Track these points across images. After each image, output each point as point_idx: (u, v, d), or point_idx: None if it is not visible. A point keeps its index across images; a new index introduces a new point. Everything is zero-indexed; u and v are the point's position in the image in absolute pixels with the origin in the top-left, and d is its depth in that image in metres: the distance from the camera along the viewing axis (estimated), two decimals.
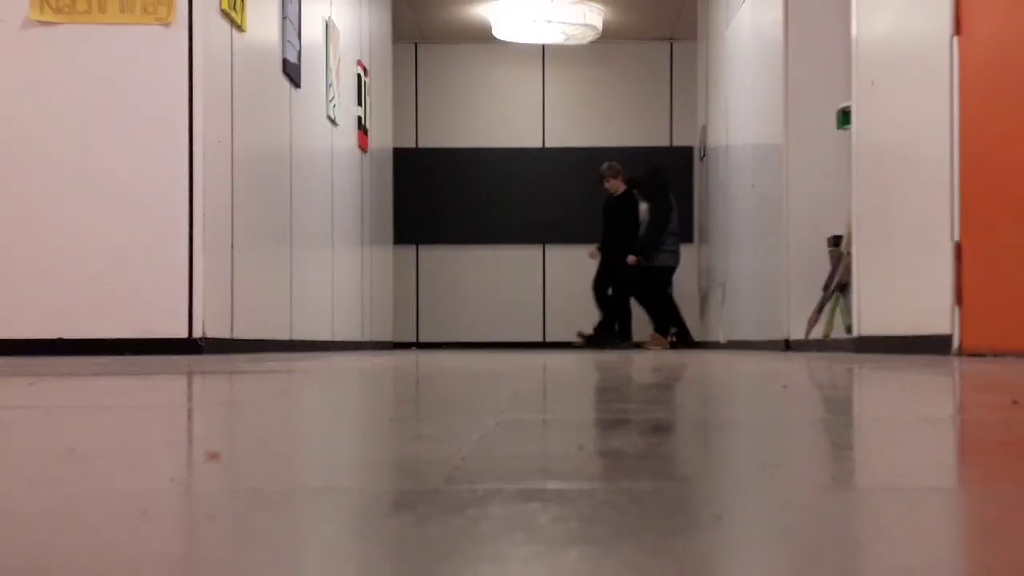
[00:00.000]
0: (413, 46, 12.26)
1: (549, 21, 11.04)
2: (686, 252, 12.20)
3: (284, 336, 6.95)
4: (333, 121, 8.36)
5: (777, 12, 7.42)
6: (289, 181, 7.20)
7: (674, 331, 10.96)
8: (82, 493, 0.86)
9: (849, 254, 6.28)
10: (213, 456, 1.07)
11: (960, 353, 4.69)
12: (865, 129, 5.92)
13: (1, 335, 5.34)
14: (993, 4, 4.64)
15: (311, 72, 7.66)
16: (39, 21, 5.44)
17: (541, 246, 12.33)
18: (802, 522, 0.73)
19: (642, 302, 10.87)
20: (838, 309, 6.73)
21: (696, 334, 11.73)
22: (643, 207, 10.85)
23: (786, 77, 7.31)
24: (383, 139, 10.71)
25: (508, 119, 12.24)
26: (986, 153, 4.62)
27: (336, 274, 8.53)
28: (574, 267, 11.92)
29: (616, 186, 10.74)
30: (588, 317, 10.98)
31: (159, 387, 2.42)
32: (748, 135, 8.71)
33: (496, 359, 5.24)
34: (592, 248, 11.05)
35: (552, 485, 0.87)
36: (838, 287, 6.67)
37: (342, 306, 8.72)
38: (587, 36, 11.41)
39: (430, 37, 12.20)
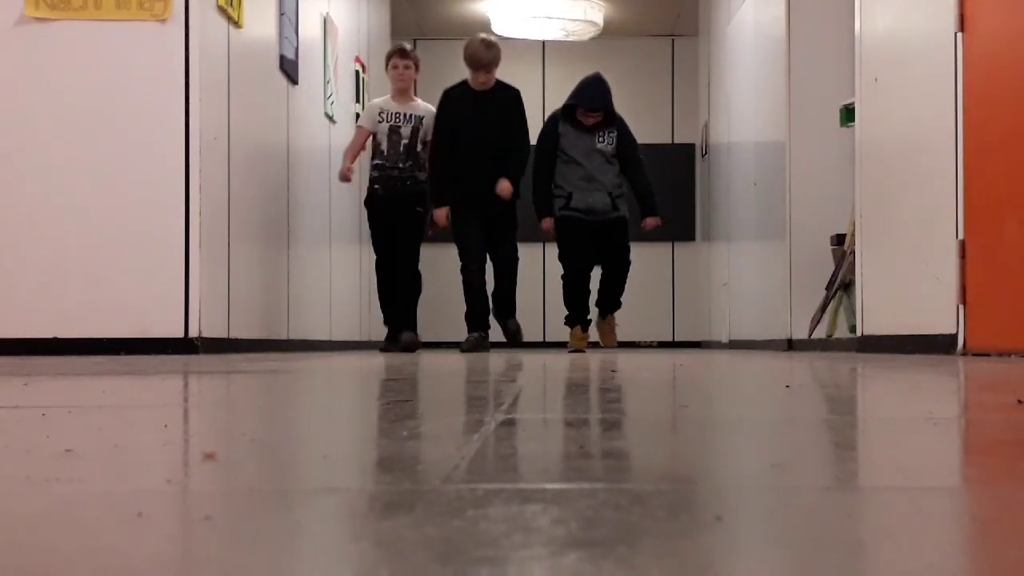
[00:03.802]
0: (412, 42, 12.26)
1: (549, 17, 11.05)
2: (686, 251, 12.21)
3: (281, 336, 6.96)
4: (331, 118, 8.36)
5: (779, 8, 7.42)
6: (286, 179, 7.20)
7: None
8: (78, 494, 0.85)
9: (852, 253, 6.28)
10: (210, 456, 1.06)
11: (964, 352, 4.69)
12: (868, 126, 5.92)
13: None
14: (996, 1, 4.64)
15: (309, 69, 7.66)
16: (34, 17, 5.44)
17: (541, 244, 12.34)
18: (805, 522, 0.72)
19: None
20: (841, 308, 6.73)
21: (699, 333, 11.74)
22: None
23: (788, 74, 7.31)
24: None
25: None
26: (990, 150, 4.62)
27: (334, 273, 8.54)
28: None
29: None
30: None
31: (155, 387, 2.42)
32: (750, 132, 8.72)
33: (496, 358, 5.24)
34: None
35: (552, 485, 0.86)
36: (841, 286, 6.67)
37: (340, 305, 8.72)
38: (588, 32, 11.42)
39: (429, 33, 12.21)
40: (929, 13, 5.08)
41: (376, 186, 7.14)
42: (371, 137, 7.22)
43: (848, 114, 6.50)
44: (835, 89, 6.92)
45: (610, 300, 7.29)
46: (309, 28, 7.71)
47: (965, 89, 4.73)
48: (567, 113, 7.18)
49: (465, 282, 7.09)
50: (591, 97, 7.11)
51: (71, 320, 5.36)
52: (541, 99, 12.37)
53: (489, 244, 7.16)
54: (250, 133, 6.35)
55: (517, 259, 7.33)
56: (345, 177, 7.18)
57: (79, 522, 0.73)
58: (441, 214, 7.11)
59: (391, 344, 7.21)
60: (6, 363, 4.00)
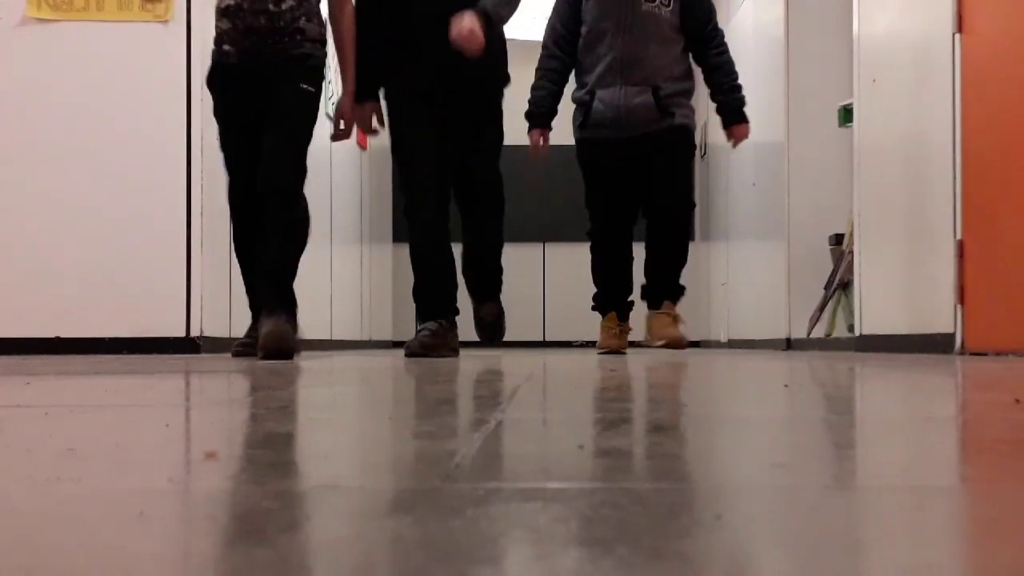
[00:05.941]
0: None
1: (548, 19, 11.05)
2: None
3: None
4: (332, 118, 8.35)
5: (778, 9, 7.42)
6: None
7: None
8: (80, 493, 0.86)
9: (851, 252, 6.29)
10: (211, 455, 1.07)
11: (962, 352, 4.69)
12: (867, 127, 5.92)
13: None
14: (995, 2, 4.64)
15: None
16: (36, 18, 5.44)
17: (541, 244, 12.33)
18: (805, 521, 0.73)
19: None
20: (840, 308, 6.73)
21: (698, 333, 11.74)
22: None
23: (787, 75, 7.31)
24: (382, 136, 10.70)
25: (507, 116, 12.21)
26: (988, 151, 4.62)
27: (335, 272, 8.53)
28: (574, 266, 11.92)
29: None
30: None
31: (157, 386, 2.42)
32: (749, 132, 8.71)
33: (496, 358, 5.24)
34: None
35: (552, 484, 0.86)
36: (840, 286, 6.67)
37: (341, 304, 8.72)
38: None
39: None
40: (927, 14, 5.09)
41: (226, 47, 4.12)
42: None
43: (847, 114, 6.50)
44: (834, 90, 6.92)
45: (661, 280, 4.86)
46: None
47: (963, 90, 4.74)
48: None
49: (414, 237, 4.44)
50: None
51: (73, 320, 5.37)
52: None
53: (453, 161, 4.40)
54: None
55: (501, 196, 4.58)
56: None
57: (81, 521, 0.73)
58: (366, 114, 4.20)
59: (248, 342, 4.35)
60: (8, 362, 4.00)
